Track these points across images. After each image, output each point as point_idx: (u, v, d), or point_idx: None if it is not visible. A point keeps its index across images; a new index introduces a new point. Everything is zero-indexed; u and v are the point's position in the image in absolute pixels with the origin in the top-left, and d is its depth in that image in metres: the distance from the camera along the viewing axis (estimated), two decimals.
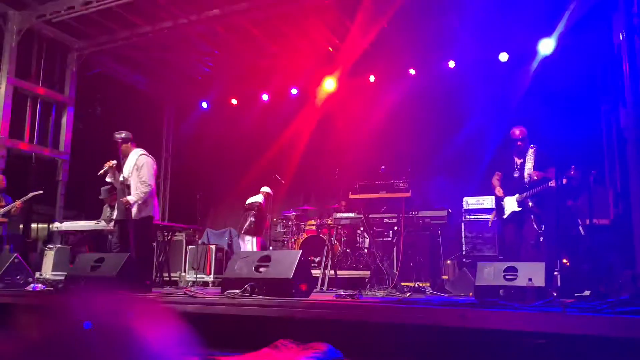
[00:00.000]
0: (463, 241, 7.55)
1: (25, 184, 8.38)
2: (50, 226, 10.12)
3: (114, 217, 5.95)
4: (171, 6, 9.27)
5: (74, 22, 9.87)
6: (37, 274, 7.88)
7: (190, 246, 9.67)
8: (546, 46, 8.77)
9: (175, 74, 12.27)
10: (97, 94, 12.04)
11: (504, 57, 9.38)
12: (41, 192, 8.06)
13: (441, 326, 3.24)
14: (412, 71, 10.19)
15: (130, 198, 5.61)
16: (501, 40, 9.22)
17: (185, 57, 11.31)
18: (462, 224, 7.59)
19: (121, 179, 5.74)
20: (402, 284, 6.15)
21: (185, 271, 9.45)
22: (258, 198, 9.24)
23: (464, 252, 7.46)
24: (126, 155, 5.91)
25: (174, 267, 9.20)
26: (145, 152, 6.04)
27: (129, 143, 5.97)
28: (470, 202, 7.67)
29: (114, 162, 5.84)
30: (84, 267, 4.81)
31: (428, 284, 6.47)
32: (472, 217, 7.56)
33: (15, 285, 5.43)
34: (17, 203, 7.67)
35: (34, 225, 10.38)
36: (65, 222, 8.69)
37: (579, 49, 8.37)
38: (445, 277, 7.10)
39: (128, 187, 5.70)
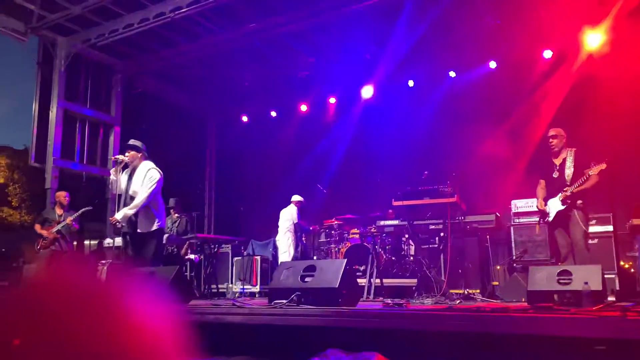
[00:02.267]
0: (513, 245, 7.34)
1: (76, 202, 8.68)
2: (102, 242, 10.44)
3: (123, 229, 5.70)
4: (209, 23, 9.47)
5: (118, 45, 10.22)
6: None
7: (236, 258, 9.79)
8: (593, 40, 8.46)
9: (216, 90, 12.50)
10: (141, 112, 12.38)
11: (548, 54, 9.12)
12: (90, 208, 8.32)
13: (494, 333, 3.14)
14: (452, 74, 10.05)
15: (118, 215, 5.49)
16: (545, 37, 8.97)
17: (225, 72, 11.51)
18: (512, 228, 7.38)
19: (131, 192, 5.61)
20: (451, 291, 6.02)
21: (232, 282, 9.56)
22: (291, 209, 9.28)
23: (514, 257, 7.24)
24: (135, 166, 5.74)
25: (221, 278, 9.32)
26: (155, 166, 5.81)
27: (140, 154, 5.79)
28: (519, 204, 7.46)
29: (126, 158, 5.71)
30: None
31: (478, 291, 6.31)
32: (522, 220, 7.34)
33: None
34: (68, 220, 7.94)
35: (86, 242, 10.70)
36: (116, 238, 8.93)
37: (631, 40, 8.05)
38: (495, 283, 6.91)
39: (132, 199, 5.57)
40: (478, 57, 9.68)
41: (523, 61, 9.36)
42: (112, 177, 5.81)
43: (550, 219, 5.59)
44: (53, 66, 10.02)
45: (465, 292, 6.09)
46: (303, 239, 9.55)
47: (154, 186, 5.58)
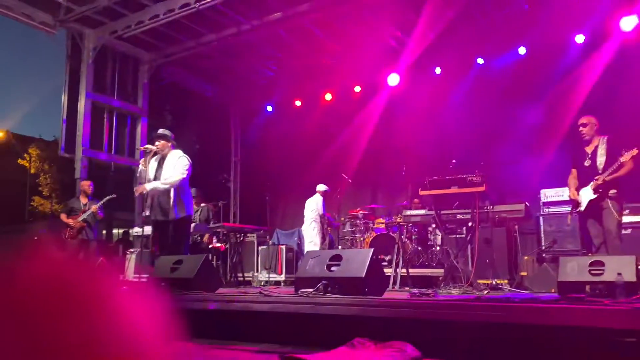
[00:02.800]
0: (542, 235, 7.22)
1: (105, 191, 8.82)
2: (130, 231, 10.62)
3: (153, 217, 5.79)
4: (234, 13, 9.48)
5: (144, 36, 10.31)
6: (121, 277, 8.26)
7: (261, 247, 9.85)
8: (627, 24, 8.19)
9: (240, 80, 12.53)
10: (167, 103, 12.51)
11: (579, 39, 8.88)
12: (114, 196, 8.43)
13: (523, 324, 3.09)
14: (480, 60, 9.88)
15: (148, 185, 5.61)
16: (577, 21, 8.73)
17: (250, 62, 11.54)
18: (541, 218, 7.25)
19: (162, 180, 5.69)
20: (479, 281, 5.95)
21: (257, 271, 9.63)
22: (316, 199, 9.26)
23: (543, 247, 7.13)
24: (164, 155, 5.82)
25: (246, 267, 9.39)
26: (184, 154, 5.89)
27: (169, 143, 5.87)
28: (549, 194, 7.32)
29: (154, 147, 5.78)
30: (164, 269, 4.98)
31: (506, 281, 6.23)
32: (551, 210, 7.21)
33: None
34: (93, 208, 8.06)
35: (115, 231, 10.91)
36: (144, 227, 9.05)
37: None
38: (523, 273, 6.80)
39: (169, 188, 5.66)
40: (507, 43, 9.49)
41: (553, 46, 9.14)
42: (141, 167, 5.89)
43: (583, 208, 5.46)
44: (81, 58, 10.17)
45: (493, 283, 6.01)
46: (329, 229, 9.54)
47: (186, 171, 5.68)
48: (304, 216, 9.46)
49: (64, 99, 10.09)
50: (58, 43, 10.18)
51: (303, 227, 9.34)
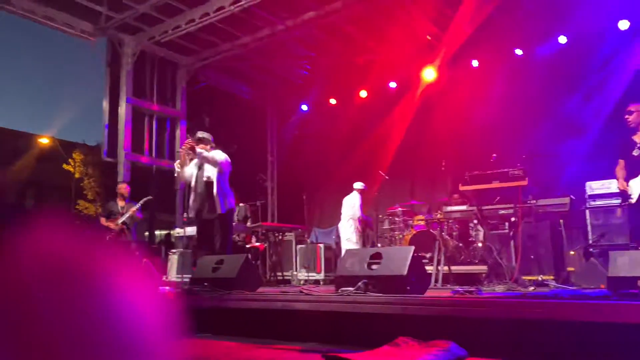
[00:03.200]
0: (589, 230, 6.98)
1: (147, 193, 8.98)
2: (172, 232, 10.82)
3: (197, 216, 5.87)
4: (268, 15, 9.55)
5: (181, 40, 10.50)
6: (163, 277, 8.42)
7: (299, 245, 9.88)
8: None
9: (276, 80, 12.62)
10: (204, 105, 12.70)
11: (623, 25, 8.55)
12: (151, 197, 8.54)
13: (572, 321, 2.99)
14: (518, 51, 9.65)
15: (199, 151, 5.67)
16: (619, 7, 8.42)
17: (284, 62, 11.60)
18: (587, 212, 7.01)
19: (205, 178, 5.81)
20: (523, 277, 5.81)
21: (296, 270, 9.67)
22: (354, 197, 9.16)
23: (590, 242, 6.89)
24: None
25: (285, 266, 9.44)
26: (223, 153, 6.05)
27: (208, 145, 5.97)
28: (595, 186, 7.07)
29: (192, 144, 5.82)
30: (206, 269, 5.04)
31: (552, 277, 6.06)
32: (598, 203, 6.96)
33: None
34: (132, 210, 8.15)
35: (157, 232, 11.13)
36: (185, 228, 9.20)
37: None
38: (570, 269, 6.61)
39: (212, 183, 5.77)
40: (546, 32, 9.24)
41: (595, 34, 8.84)
42: (176, 168, 5.99)
43: (634, 200, 5.26)
44: (121, 64, 10.42)
45: (539, 279, 5.86)
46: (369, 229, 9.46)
47: (226, 157, 5.83)
48: (341, 214, 9.41)
49: (105, 104, 10.36)
50: (98, 50, 10.47)
51: (340, 225, 9.29)
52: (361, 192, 9.23)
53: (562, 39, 9.15)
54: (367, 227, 9.23)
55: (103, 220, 8.24)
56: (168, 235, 10.78)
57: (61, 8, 9.56)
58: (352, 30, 10.02)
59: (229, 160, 5.97)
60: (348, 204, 9.23)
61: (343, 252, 8.85)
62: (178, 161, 6.00)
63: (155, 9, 9.60)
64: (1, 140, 22.77)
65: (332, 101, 12.43)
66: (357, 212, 9.03)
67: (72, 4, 9.48)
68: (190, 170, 5.95)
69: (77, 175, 22.49)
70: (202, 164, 5.94)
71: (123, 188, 8.50)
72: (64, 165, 23.07)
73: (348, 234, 9.04)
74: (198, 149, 5.71)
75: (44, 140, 25.54)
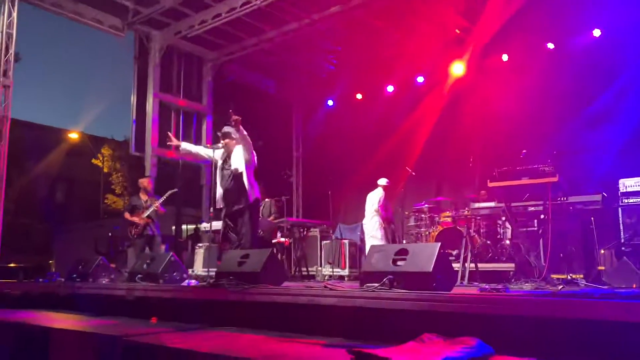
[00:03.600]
0: (621, 228, 6.78)
1: (173, 188, 9.03)
2: (198, 226, 10.92)
3: (232, 208, 5.90)
4: (294, 8, 9.54)
5: (207, 35, 10.57)
6: (190, 271, 8.49)
7: (324, 241, 9.87)
8: None
9: (301, 75, 12.60)
10: (230, 100, 12.76)
11: None
12: (176, 190, 8.58)
13: (604, 321, 2.91)
14: (550, 45, 9.44)
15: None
16: None
17: (310, 56, 11.58)
18: (619, 209, 6.81)
19: (232, 169, 5.87)
20: (552, 276, 5.69)
21: (321, 265, 9.66)
22: (378, 193, 9.09)
23: (622, 240, 6.71)
24: (230, 151, 6.01)
25: (310, 261, 9.44)
26: None
27: (234, 140, 6.02)
28: (628, 184, 6.86)
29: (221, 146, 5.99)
30: (232, 263, 5.06)
31: (581, 276, 5.92)
32: (632, 200, 6.76)
33: (172, 281, 5.88)
34: (156, 204, 8.21)
35: (184, 227, 11.23)
36: (212, 222, 9.25)
37: None
38: (601, 267, 6.46)
39: (241, 175, 5.82)
40: (580, 25, 9.01)
41: (630, 27, 8.57)
42: (209, 151, 6.15)
43: None
44: (148, 59, 10.54)
45: (568, 277, 5.73)
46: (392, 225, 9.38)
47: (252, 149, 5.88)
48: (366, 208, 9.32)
49: (133, 99, 10.50)
50: (126, 45, 10.61)
51: (364, 221, 9.23)
52: (385, 188, 9.15)
53: (596, 32, 8.92)
54: (388, 222, 9.13)
55: (127, 215, 8.31)
56: (196, 229, 10.89)
57: (90, 3, 9.71)
58: (378, 23, 9.94)
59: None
60: (371, 200, 9.17)
61: (367, 248, 8.83)
62: (209, 146, 6.20)
63: (182, 4, 9.68)
64: (32, 135, 23.30)
65: (359, 96, 12.37)
66: (377, 205, 8.97)
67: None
68: (218, 166, 6.03)
69: (105, 170, 22.92)
70: (227, 156, 5.99)
71: (145, 182, 8.54)
72: (93, 160, 23.52)
73: (372, 231, 8.98)
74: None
75: (74, 135, 26.08)
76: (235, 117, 5.66)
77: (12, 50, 8.74)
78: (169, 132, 6.54)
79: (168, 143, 6.44)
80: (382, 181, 9.19)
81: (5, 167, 8.56)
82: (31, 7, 9.33)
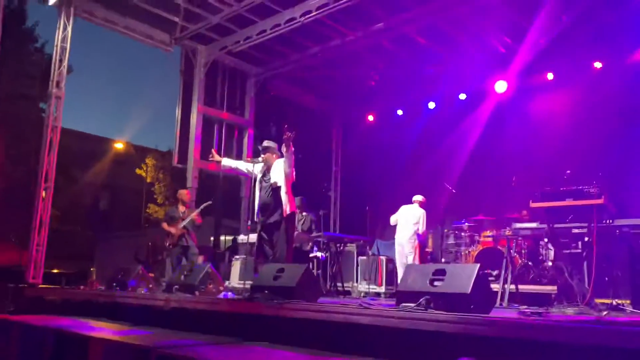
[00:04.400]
0: None
1: (214, 200, 9.18)
2: (236, 238, 11.02)
3: (268, 221, 5.97)
4: (338, 25, 9.61)
5: (251, 51, 10.76)
6: (227, 283, 8.57)
7: (361, 257, 9.78)
8: None
9: (343, 90, 12.65)
10: (271, 114, 12.94)
11: None
12: (210, 202, 8.71)
13: None
14: (597, 64, 9.20)
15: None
16: None
17: (352, 72, 11.62)
18: None
19: (272, 182, 5.98)
20: (596, 301, 5.49)
21: (356, 281, 9.58)
22: (418, 211, 8.74)
23: None
24: (269, 165, 6.12)
25: (346, 277, 9.37)
26: None
27: (275, 154, 6.15)
28: None
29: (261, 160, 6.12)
30: (267, 277, 5.09)
31: (628, 302, 5.67)
32: None
33: (208, 293, 5.95)
34: (193, 215, 8.34)
35: (222, 238, 11.36)
36: (249, 235, 9.31)
37: None
38: None
39: (279, 188, 5.92)
40: (627, 44, 8.74)
41: None
42: (248, 166, 6.29)
43: None
44: (193, 73, 10.80)
45: (614, 303, 5.50)
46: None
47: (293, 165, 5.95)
48: (401, 224, 8.88)
49: (178, 112, 10.75)
50: (172, 59, 10.91)
51: (402, 237, 8.74)
52: (424, 205, 8.88)
53: None
54: (421, 247, 8.82)
55: (165, 226, 8.46)
56: (234, 240, 11.00)
57: (140, 19, 10.05)
58: (421, 40, 9.91)
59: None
60: (414, 217, 8.74)
61: (399, 267, 8.66)
62: (249, 160, 6.44)
63: (228, 20, 9.90)
64: (79, 144, 24.15)
65: (399, 112, 12.32)
66: (423, 227, 8.67)
67: (150, 15, 9.94)
68: (257, 180, 6.13)
69: (148, 180, 23.45)
70: (266, 170, 6.10)
71: (184, 194, 8.72)
72: (137, 170, 24.14)
73: (411, 248, 8.74)
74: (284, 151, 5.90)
75: (119, 145, 26.87)
76: (289, 134, 5.77)
77: (65, 63, 9.10)
78: (213, 150, 6.69)
79: (210, 159, 6.63)
80: (420, 197, 8.86)
81: (54, 175, 8.88)
82: (84, 21, 9.72)
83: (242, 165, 6.54)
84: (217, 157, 6.56)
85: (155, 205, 23.05)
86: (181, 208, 8.54)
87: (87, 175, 25.50)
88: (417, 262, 8.46)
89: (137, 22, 10.10)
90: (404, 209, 8.92)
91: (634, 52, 8.79)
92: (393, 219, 8.98)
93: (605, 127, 8.80)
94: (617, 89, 8.84)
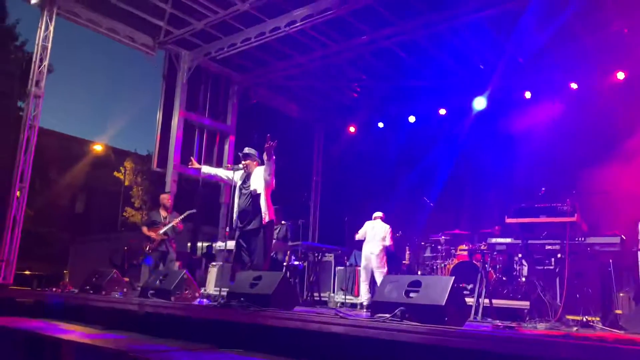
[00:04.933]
0: None
1: (192, 205, 9.11)
2: (213, 245, 10.96)
3: (247, 228, 5.94)
4: (322, 36, 9.70)
5: (235, 58, 10.76)
6: (202, 289, 8.50)
7: (338, 267, 9.80)
8: None
9: (325, 101, 12.74)
10: (253, 122, 12.92)
11: None
12: (194, 211, 8.64)
13: None
14: (573, 85, 9.43)
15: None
16: None
17: (334, 83, 11.72)
18: (639, 253, 6.70)
19: (252, 189, 5.97)
20: (567, 317, 5.60)
21: (334, 292, 9.59)
22: (386, 226, 8.65)
23: None
24: (250, 172, 6.11)
25: (323, 287, 9.38)
26: None
27: (255, 162, 6.16)
28: None
29: (242, 167, 6.09)
30: (244, 285, 5.08)
31: (598, 319, 5.79)
32: None
33: (184, 299, 5.91)
34: (174, 222, 8.25)
35: (199, 244, 11.30)
36: (227, 241, 9.26)
37: None
38: (618, 311, 6.31)
39: (258, 196, 5.91)
40: (604, 67, 9.00)
41: None
42: (228, 172, 6.26)
43: None
44: (176, 78, 10.76)
45: (584, 319, 5.62)
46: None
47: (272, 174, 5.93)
48: (367, 239, 8.76)
49: (159, 116, 10.68)
50: (155, 63, 10.85)
51: (371, 252, 8.59)
52: (384, 220, 8.81)
53: (621, 75, 8.90)
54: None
55: (145, 229, 8.35)
56: (210, 247, 10.92)
57: (124, 21, 10.00)
58: (403, 55, 10.05)
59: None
60: (381, 232, 8.63)
61: (362, 281, 8.68)
62: (229, 167, 6.38)
63: (213, 27, 9.90)
64: (58, 146, 23.79)
65: (380, 125, 12.44)
66: (390, 241, 8.64)
67: (135, 18, 9.89)
68: (237, 187, 6.11)
69: (126, 183, 23.18)
70: (246, 177, 6.09)
71: (166, 199, 8.62)
72: (115, 173, 23.85)
73: (379, 263, 8.57)
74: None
75: (98, 147, 26.53)
76: (271, 143, 5.78)
77: (45, 62, 9.01)
78: (192, 158, 6.68)
79: (189, 166, 6.63)
80: (380, 213, 8.84)
81: (29, 175, 8.74)
82: (66, 20, 9.63)
83: (222, 173, 6.52)
84: (196, 165, 6.59)
85: (132, 209, 22.77)
86: (163, 213, 8.43)
87: (64, 176, 25.11)
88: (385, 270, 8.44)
89: (121, 24, 10.04)
90: (369, 225, 8.84)
91: (609, 74, 9.05)
92: (359, 235, 8.88)
93: (578, 146, 9.02)
94: (593, 109, 9.08)
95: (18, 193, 8.52)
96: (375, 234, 8.68)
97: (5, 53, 19.12)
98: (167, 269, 7.91)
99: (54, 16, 9.03)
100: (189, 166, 6.69)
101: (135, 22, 10.06)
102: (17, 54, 19.72)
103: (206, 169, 6.62)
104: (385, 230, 8.67)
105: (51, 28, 8.99)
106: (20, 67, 18.16)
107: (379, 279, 8.29)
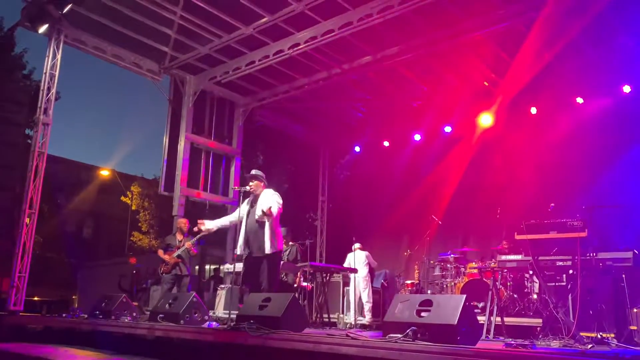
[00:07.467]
0: None
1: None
2: (221, 267, 10.93)
3: (246, 253, 5.92)
4: (325, 58, 9.78)
5: (240, 81, 10.87)
6: (211, 312, 8.46)
7: (347, 287, 9.73)
8: None
9: (330, 121, 12.79)
10: (259, 144, 12.99)
11: None
12: (206, 232, 8.63)
13: None
14: (579, 100, 9.42)
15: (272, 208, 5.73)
16: None
17: (339, 104, 11.78)
18: None
19: (257, 216, 5.84)
20: (581, 334, 5.51)
21: (343, 312, 9.50)
22: (366, 253, 9.36)
23: None
24: (257, 194, 6.03)
25: (332, 308, 9.29)
26: (275, 191, 6.11)
27: (262, 183, 6.09)
28: None
29: (249, 189, 6.03)
30: (253, 307, 5.05)
31: (612, 335, 5.70)
32: None
33: (193, 322, 5.87)
34: (187, 244, 8.36)
35: (207, 267, 11.28)
36: (235, 264, 9.24)
37: None
38: (633, 327, 6.21)
39: (263, 224, 5.79)
40: (610, 81, 9.00)
41: None
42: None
43: None
44: (182, 102, 10.86)
45: (598, 336, 5.53)
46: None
47: (280, 204, 5.85)
48: (352, 264, 9.25)
49: (165, 140, 10.75)
50: (160, 88, 10.94)
51: (359, 277, 9.17)
52: (363, 248, 9.45)
53: (627, 89, 8.90)
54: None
55: (160, 253, 8.51)
56: (217, 270, 10.88)
57: (130, 48, 10.12)
58: (407, 74, 10.11)
59: (281, 202, 5.99)
60: (362, 259, 9.29)
61: (352, 299, 9.05)
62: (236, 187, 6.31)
63: (217, 51, 10.02)
64: (66, 172, 23.94)
65: (386, 144, 12.46)
66: (374, 262, 9.48)
67: (140, 44, 10.02)
68: (244, 209, 6.02)
69: (133, 208, 23.24)
70: (254, 200, 6.02)
71: (182, 223, 8.74)
72: (122, 198, 23.94)
73: (365, 285, 9.22)
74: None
75: (105, 172, 26.69)
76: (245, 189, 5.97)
77: (53, 90, 9.10)
78: (198, 220, 6.50)
79: (195, 229, 6.75)
80: (358, 244, 9.47)
81: (39, 202, 8.78)
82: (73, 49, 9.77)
83: (227, 219, 6.40)
84: (203, 227, 6.39)
85: (139, 233, 22.80)
86: (179, 237, 8.62)
87: (71, 202, 25.22)
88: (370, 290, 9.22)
89: (127, 51, 10.17)
90: (350, 257, 9.44)
91: (614, 89, 9.04)
92: (346, 265, 9.49)
93: (587, 160, 8.98)
94: (599, 123, 9.06)
95: (27, 220, 8.55)
96: (357, 262, 9.29)
97: (13, 82, 19.38)
98: (180, 292, 7.96)
99: (61, 44, 9.16)
100: (195, 229, 6.77)
101: (140, 48, 10.18)
102: (25, 82, 19.98)
103: (210, 224, 6.38)
104: (365, 256, 9.38)
105: (58, 56, 9.10)
106: (29, 95, 18.38)
107: (364, 298, 9.18)
